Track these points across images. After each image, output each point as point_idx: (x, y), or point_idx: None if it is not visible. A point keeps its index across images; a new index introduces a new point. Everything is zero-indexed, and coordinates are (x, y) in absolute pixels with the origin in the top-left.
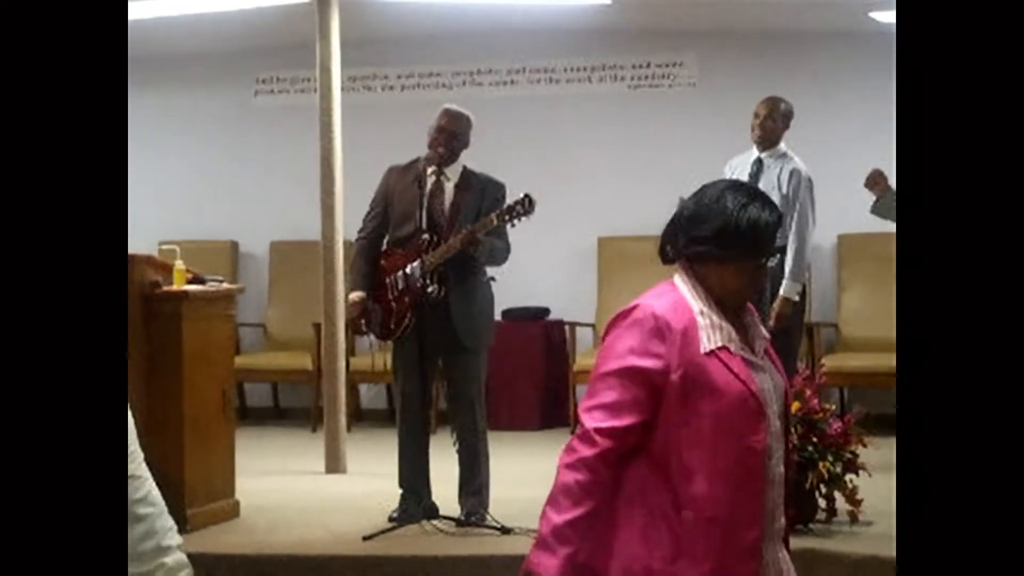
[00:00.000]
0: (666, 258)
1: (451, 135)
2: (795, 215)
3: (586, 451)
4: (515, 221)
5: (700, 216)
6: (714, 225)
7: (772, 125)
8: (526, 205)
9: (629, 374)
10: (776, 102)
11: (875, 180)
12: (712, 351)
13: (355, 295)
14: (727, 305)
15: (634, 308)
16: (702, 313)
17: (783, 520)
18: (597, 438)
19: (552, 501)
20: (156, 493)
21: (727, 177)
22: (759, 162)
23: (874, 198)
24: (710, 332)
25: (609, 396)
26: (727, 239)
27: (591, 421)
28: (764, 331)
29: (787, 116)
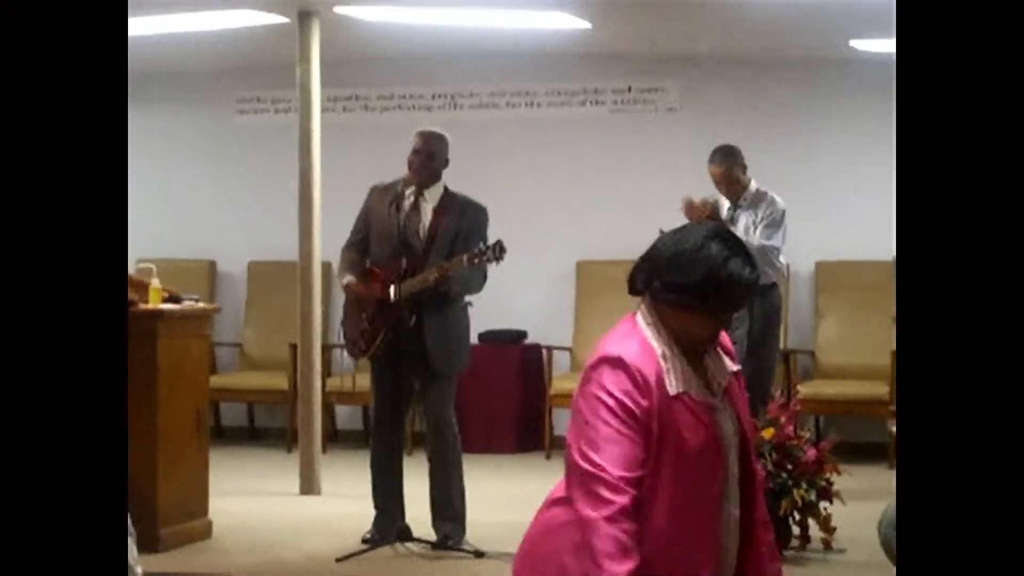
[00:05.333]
0: (633, 290)
1: (428, 156)
2: (764, 225)
3: (622, 500)
4: (487, 265)
5: (679, 262)
6: (693, 276)
7: (733, 185)
8: (496, 251)
9: (629, 423)
10: (725, 159)
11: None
12: (677, 395)
13: (346, 279)
14: (689, 348)
15: (602, 359)
16: (664, 356)
17: (734, 563)
18: (626, 487)
19: (608, 555)
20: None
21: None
22: (732, 209)
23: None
24: (673, 377)
25: (620, 448)
26: (704, 291)
27: (615, 470)
28: (729, 365)
29: (741, 161)
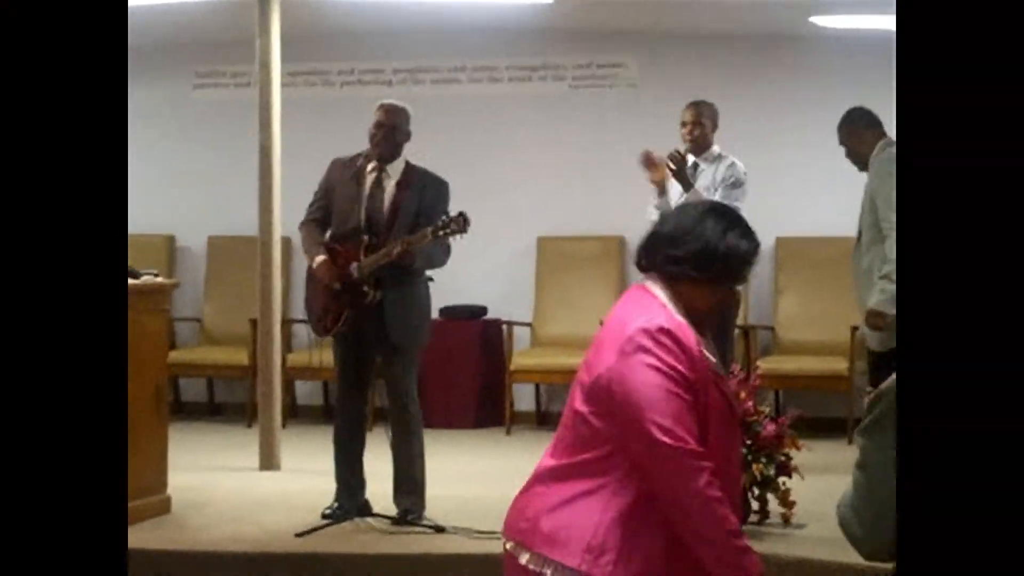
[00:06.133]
0: (641, 267)
1: (390, 129)
2: (725, 185)
3: (709, 464)
4: (450, 237)
5: (680, 236)
6: (692, 248)
7: (701, 131)
8: (460, 223)
9: (686, 390)
10: (700, 107)
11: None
12: (709, 363)
13: (319, 259)
14: (694, 320)
15: (647, 329)
16: (689, 327)
17: None
18: (704, 451)
19: (728, 521)
20: None
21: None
22: (695, 165)
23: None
24: (703, 348)
25: (690, 417)
26: (704, 263)
27: (689, 439)
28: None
29: (714, 117)
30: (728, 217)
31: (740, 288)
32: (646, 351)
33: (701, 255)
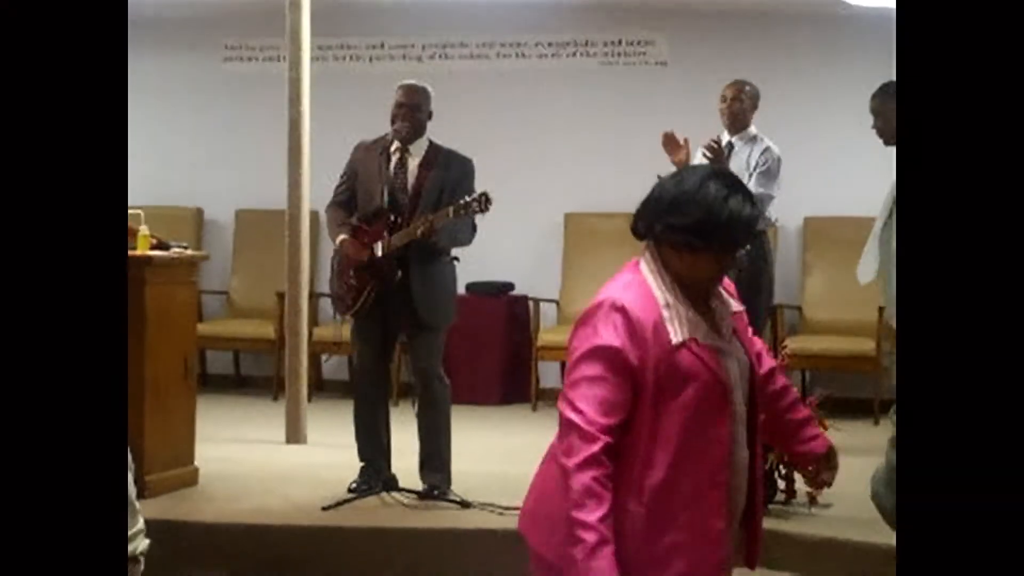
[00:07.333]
0: (637, 235)
1: (412, 109)
2: (759, 172)
3: (593, 447)
4: (474, 216)
5: (680, 203)
6: (694, 215)
7: (740, 107)
8: (483, 203)
9: (615, 369)
10: (742, 85)
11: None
12: (681, 343)
13: (341, 237)
14: (694, 291)
15: (602, 303)
16: (668, 305)
17: (743, 502)
18: (599, 434)
19: (578, 505)
20: (131, 481)
21: (698, 162)
22: (729, 145)
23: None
24: (677, 325)
25: (601, 391)
26: (706, 230)
27: (588, 417)
28: (733, 305)
29: (754, 98)
30: (728, 182)
31: (769, 264)
32: (590, 325)
33: (703, 223)
